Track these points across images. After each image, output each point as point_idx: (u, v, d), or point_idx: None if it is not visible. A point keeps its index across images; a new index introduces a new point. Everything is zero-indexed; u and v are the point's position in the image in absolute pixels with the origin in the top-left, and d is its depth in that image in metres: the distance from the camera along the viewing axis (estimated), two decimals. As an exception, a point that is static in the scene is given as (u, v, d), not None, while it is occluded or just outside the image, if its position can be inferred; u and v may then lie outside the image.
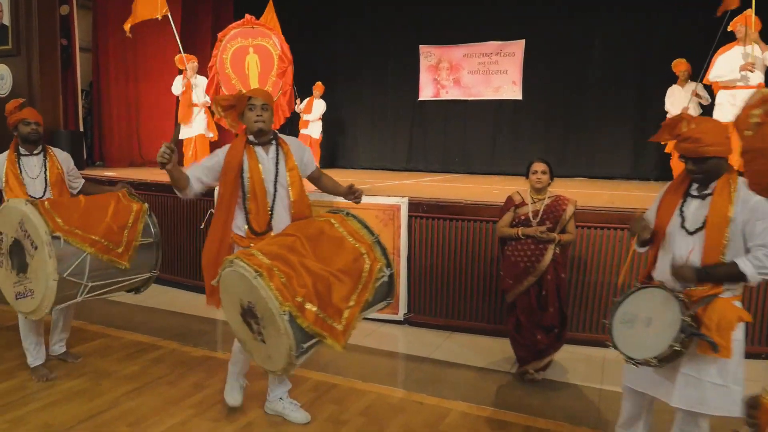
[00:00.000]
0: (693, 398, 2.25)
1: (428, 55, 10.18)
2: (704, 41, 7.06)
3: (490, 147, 9.89)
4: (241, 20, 4.14)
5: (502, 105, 9.75)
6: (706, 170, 2.25)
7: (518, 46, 9.55)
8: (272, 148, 2.89)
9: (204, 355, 4.00)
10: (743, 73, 5.44)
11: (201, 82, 7.33)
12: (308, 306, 2.36)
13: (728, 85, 5.60)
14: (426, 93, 10.24)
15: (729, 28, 5.62)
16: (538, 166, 3.60)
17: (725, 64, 5.59)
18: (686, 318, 2.16)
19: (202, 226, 5.39)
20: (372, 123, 10.82)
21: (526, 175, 3.65)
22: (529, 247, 3.50)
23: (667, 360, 2.21)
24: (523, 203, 3.63)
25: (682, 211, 2.33)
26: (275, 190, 2.84)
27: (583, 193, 6.23)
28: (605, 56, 9.03)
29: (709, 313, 2.21)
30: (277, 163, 2.85)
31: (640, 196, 6.29)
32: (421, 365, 3.99)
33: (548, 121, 9.53)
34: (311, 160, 3.03)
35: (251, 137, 2.86)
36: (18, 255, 3.02)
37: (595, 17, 9.01)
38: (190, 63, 7.33)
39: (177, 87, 7.29)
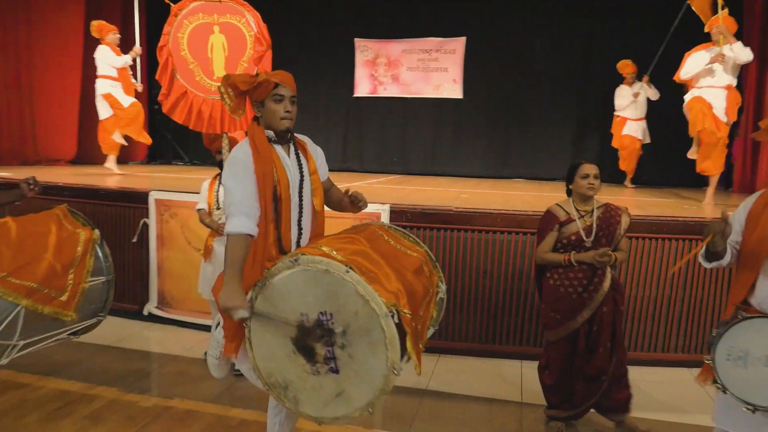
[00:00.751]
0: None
1: (364, 50, 9.63)
2: (647, 42, 7.15)
3: (430, 147, 9.54)
4: None
5: (442, 104, 9.42)
6: None
7: (459, 44, 9.26)
8: (291, 148, 2.23)
9: (157, 404, 3.20)
10: (715, 69, 5.39)
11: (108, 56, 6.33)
12: (405, 310, 1.79)
13: (699, 84, 5.54)
14: (362, 89, 9.68)
15: (705, 29, 5.57)
16: (591, 169, 2.88)
17: (695, 64, 5.54)
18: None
19: (134, 239, 4.50)
20: (303, 120, 10.06)
21: (570, 180, 2.96)
22: (584, 274, 2.83)
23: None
24: (569, 219, 2.90)
25: None
26: (300, 200, 2.19)
27: (530, 196, 5.99)
28: (546, 56, 8.97)
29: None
30: (300, 167, 2.20)
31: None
32: (421, 400, 3.46)
33: (489, 122, 9.34)
34: (325, 165, 2.38)
35: (270, 133, 2.16)
36: None
37: (536, 17, 8.92)
38: (112, 34, 6.31)
39: (115, 57, 6.29)
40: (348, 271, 1.75)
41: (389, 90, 9.57)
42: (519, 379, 3.79)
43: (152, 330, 4.46)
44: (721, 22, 5.39)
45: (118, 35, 6.56)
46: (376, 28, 9.51)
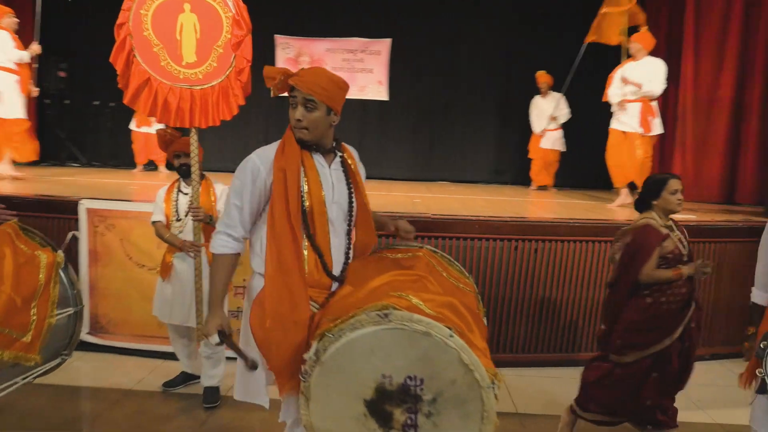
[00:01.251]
0: None
1: (286, 47, 9.20)
2: (566, 54, 7.49)
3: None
4: None
5: (367, 105, 9.24)
6: None
7: (384, 45, 9.14)
8: (336, 159, 1.93)
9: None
10: (634, 88, 5.68)
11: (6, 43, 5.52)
12: (498, 383, 1.61)
13: (626, 99, 5.78)
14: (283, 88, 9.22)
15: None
16: (678, 184, 2.79)
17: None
18: None
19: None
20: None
21: (655, 195, 2.80)
22: (686, 288, 2.77)
23: None
24: (667, 235, 2.77)
25: None
26: (348, 222, 1.94)
27: (455, 199, 6.04)
28: (471, 62, 9.12)
29: None
30: (347, 178, 1.92)
31: (518, 202, 6.34)
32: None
33: (415, 124, 9.32)
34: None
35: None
36: None
37: (460, 23, 9.02)
38: (8, 17, 5.45)
39: (13, 48, 5.48)
40: (451, 336, 1.54)
41: (313, 90, 9.20)
42: (505, 388, 3.71)
43: (86, 360, 3.81)
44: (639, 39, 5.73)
45: (16, 19, 5.65)
46: (297, 25, 9.13)
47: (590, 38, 6.58)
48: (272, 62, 9.15)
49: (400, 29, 9.05)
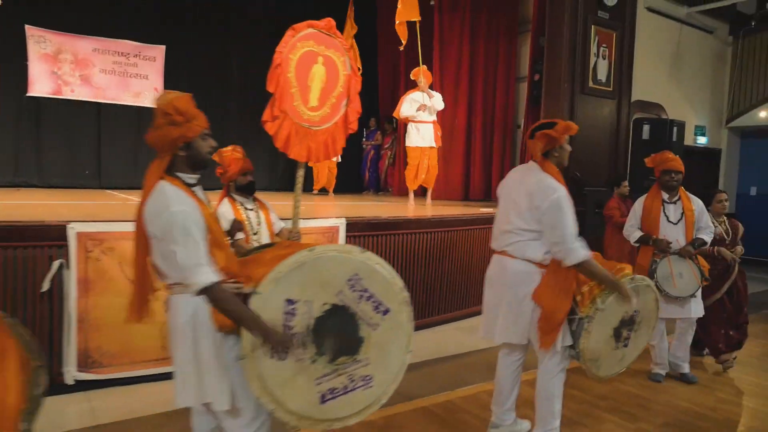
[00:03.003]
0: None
1: (41, 41, 8.05)
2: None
3: (131, 158, 8.74)
4: (323, 21, 2.94)
5: (144, 112, 8.80)
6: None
7: (159, 52, 8.90)
8: None
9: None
10: (420, 111, 7.43)
11: None
12: None
13: (413, 120, 7.45)
14: (41, 88, 8.06)
15: (411, 77, 7.53)
16: (723, 195, 4.43)
17: (408, 106, 7.48)
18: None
19: (44, 288, 3.26)
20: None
21: (710, 203, 4.27)
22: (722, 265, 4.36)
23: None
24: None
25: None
26: None
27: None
28: (244, 75, 9.61)
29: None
30: None
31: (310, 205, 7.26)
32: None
33: (194, 134, 9.30)
34: None
35: None
36: None
37: (232, 37, 9.44)
38: None
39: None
40: (648, 285, 2.97)
41: (78, 93, 8.31)
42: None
43: (81, 401, 3.30)
44: (421, 75, 7.52)
45: None
46: (55, 18, 8.08)
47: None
48: (22, 57, 7.91)
49: (175, 37, 8.96)
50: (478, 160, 9.25)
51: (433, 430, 3.20)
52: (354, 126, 3.29)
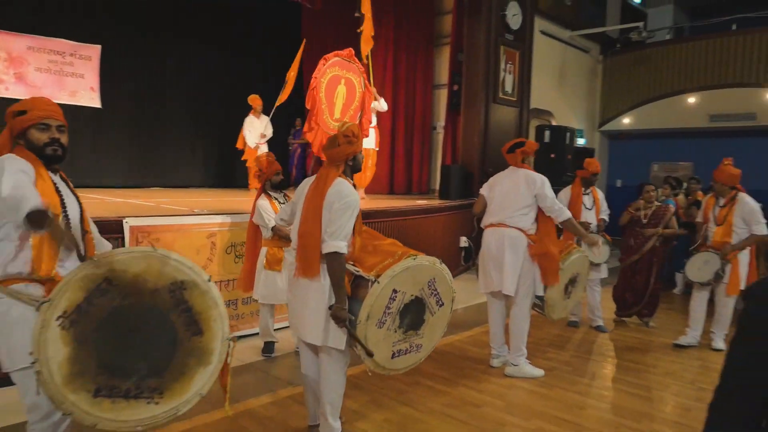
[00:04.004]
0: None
1: (-29, 37, 7.89)
2: (268, 78, 9.56)
3: (67, 157, 8.77)
4: (345, 51, 3.66)
5: (79, 112, 8.87)
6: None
7: (94, 51, 8.99)
8: None
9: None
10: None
11: None
12: None
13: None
14: (-28, 85, 7.92)
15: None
16: (650, 188, 5.67)
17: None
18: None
19: None
20: None
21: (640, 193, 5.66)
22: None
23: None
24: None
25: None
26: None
27: (190, 200, 7.58)
28: (180, 75, 9.95)
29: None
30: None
31: (235, 201, 7.76)
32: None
33: (129, 133, 9.50)
34: None
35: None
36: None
37: (169, 38, 9.74)
38: None
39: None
40: (585, 255, 4.12)
41: (13, 91, 8.21)
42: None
43: None
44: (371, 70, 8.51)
45: None
46: (-13, 14, 7.97)
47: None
48: (-48, 53, 7.74)
49: (111, 37, 9.10)
50: (401, 158, 10.42)
51: (438, 366, 4.25)
52: (366, 132, 4.20)
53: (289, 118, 10.62)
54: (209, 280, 2.11)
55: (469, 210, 8.16)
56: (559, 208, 3.95)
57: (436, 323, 2.91)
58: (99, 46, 9.04)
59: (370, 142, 8.26)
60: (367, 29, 7.13)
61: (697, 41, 10.86)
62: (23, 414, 2.17)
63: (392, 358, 2.78)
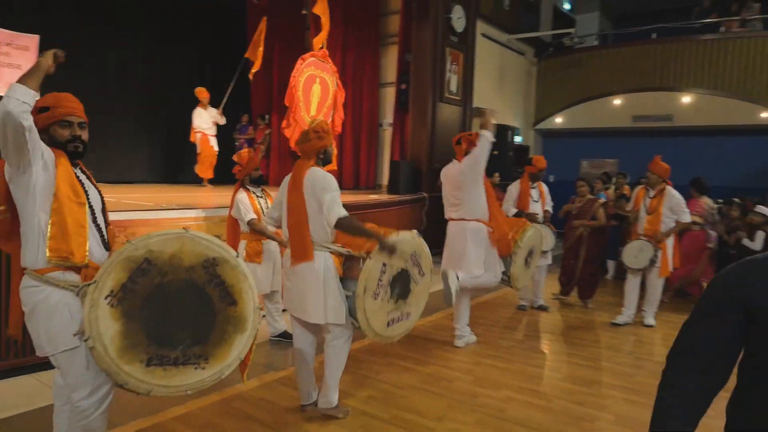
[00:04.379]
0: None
1: None
2: (213, 72, 9.57)
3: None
4: (320, 51, 3.80)
5: (17, 104, 8.52)
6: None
7: (32, 41, 8.64)
8: None
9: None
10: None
11: None
12: None
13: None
14: None
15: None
16: (581, 183, 6.26)
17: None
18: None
19: None
20: None
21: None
22: None
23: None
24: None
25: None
26: None
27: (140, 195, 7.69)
28: (121, 68, 9.73)
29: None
30: None
31: (177, 196, 7.97)
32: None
33: (71, 127, 9.19)
34: None
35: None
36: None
37: (111, 30, 9.50)
38: None
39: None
40: (539, 231, 4.56)
41: (-55, 81, 7.82)
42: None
43: None
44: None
45: None
46: None
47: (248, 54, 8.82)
48: None
49: (49, 27, 8.78)
50: (348, 154, 10.66)
51: (407, 348, 4.56)
52: (339, 128, 4.45)
53: (235, 114, 10.60)
54: (237, 256, 2.31)
55: (418, 204, 8.57)
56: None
57: (420, 292, 3.27)
58: (37, 36, 8.69)
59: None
60: (325, 29, 7.39)
61: (622, 48, 11.76)
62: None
63: (388, 326, 3.10)
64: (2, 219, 2.26)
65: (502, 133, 9.64)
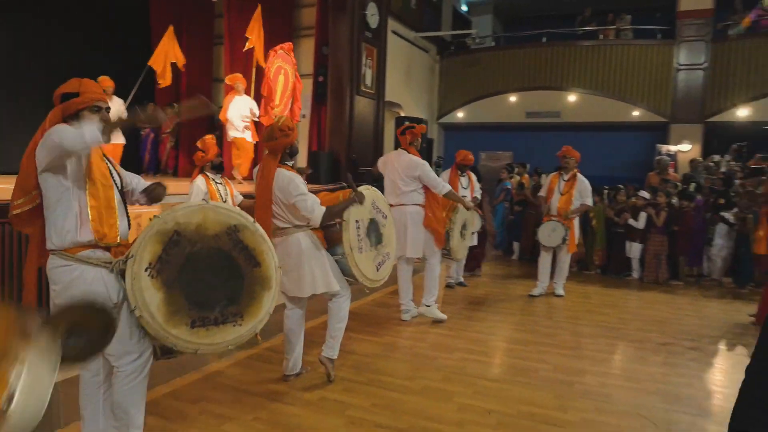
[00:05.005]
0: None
1: None
2: (120, 61, 9.22)
3: None
4: (287, 44, 3.85)
5: None
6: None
7: None
8: None
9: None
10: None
11: None
12: None
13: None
14: None
15: (228, 82, 8.58)
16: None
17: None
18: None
19: None
20: None
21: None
22: None
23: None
24: None
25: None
26: None
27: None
28: (32, 56, 9.05)
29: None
30: None
31: None
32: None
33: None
34: None
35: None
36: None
37: (26, 17, 8.81)
38: None
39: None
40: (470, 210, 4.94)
41: None
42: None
43: None
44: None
45: None
46: None
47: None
48: None
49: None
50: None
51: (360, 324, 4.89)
52: (297, 118, 4.65)
53: (140, 102, 10.19)
54: (254, 222, 2.53)
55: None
56: (440, 184, 4.84)
57: (388, 233, 3.73)
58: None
59: (248, 136, 8.53)
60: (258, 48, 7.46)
61: (516, 49, 12.85)
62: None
63: (377, 270, 3.52)
64: (33, 205, 2.31)
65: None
